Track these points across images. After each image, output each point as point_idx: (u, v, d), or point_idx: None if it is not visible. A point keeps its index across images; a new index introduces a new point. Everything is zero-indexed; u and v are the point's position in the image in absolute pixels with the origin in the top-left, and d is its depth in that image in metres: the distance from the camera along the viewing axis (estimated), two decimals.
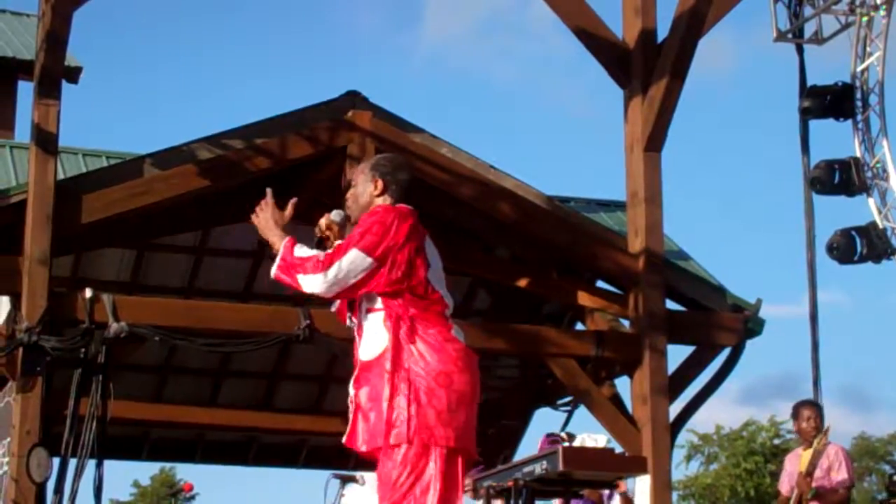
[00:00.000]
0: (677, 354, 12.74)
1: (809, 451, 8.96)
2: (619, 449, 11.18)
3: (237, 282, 14.34)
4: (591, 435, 13.70)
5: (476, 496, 9.58)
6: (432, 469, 4.87)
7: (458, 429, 4.94)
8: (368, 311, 5.09)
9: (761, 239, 71.96)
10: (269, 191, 5.30)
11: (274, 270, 5.09)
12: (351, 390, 5.15)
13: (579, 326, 14.18)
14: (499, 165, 12.46)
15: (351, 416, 5.13)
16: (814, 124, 14.08)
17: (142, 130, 75.66)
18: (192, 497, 49.95)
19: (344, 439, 5.17)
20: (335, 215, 5.44)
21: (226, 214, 12.83)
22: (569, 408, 14.33)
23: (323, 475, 9.11)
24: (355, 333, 5.18)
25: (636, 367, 12.16)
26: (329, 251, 5.06)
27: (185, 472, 52.45)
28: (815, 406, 9.44)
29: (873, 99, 13.83)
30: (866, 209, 13.49)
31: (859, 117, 13.78)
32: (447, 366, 4.96)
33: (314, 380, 15.92)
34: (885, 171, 13.52)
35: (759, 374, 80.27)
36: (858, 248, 13.50)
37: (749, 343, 12.91)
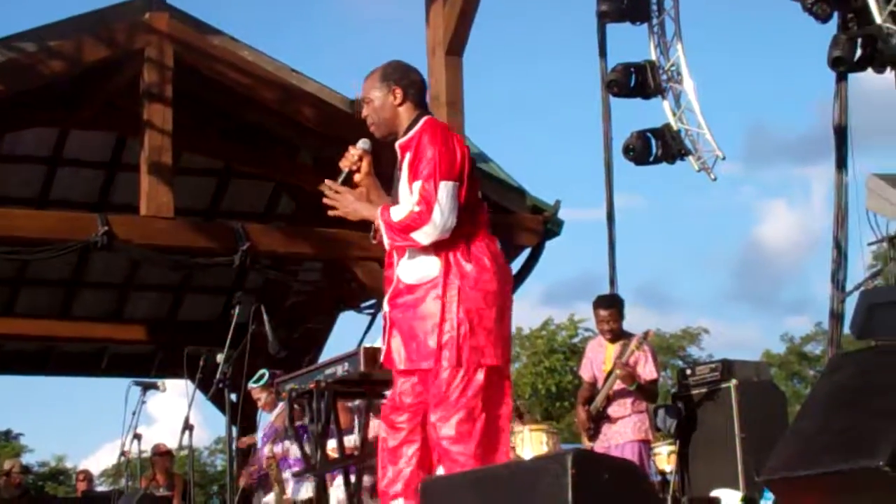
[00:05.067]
0: None
1: (616, 346, 9.06)
2: None
3: (32, 188, 13.99)
4: None
5: (279, 399, 9.63)
6: (479, 389, 4.84)
7: (505, 345, 4.95)
8: None
9: (561, 143, 72.99)
10: (328, 182, 5.29)
11: (388, 243, 4.93)
12: (386, 307, 5.03)
13: None
14: (303, 70, 12.39)
15: (386, 334, 5.01)
16: (611, 28, 14.23)
17: None
18: None
19: (381, 358, 5.08)
20: (363, 144, 5.19)
21: (19, 119, 12.47)
22: (373, 311, 14.44)
23: (124, 383, 9.03)
24: (394, 252, 5.02)
25: None
26: (416, 198, 4.82)
27: None
28: (609, 306, 9.31)
29: (668, 3, 14.04)
30: (661, 111, 13.76)
31: (655, 21, 13.98)
32: (496, 284, 4.91)
33: (114, 287, 15.69)
34: (679, 73, 13.77)
35: (559, 276, 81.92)
36: (653, 150, 13.75)
37: (549, 245, 13.20)
